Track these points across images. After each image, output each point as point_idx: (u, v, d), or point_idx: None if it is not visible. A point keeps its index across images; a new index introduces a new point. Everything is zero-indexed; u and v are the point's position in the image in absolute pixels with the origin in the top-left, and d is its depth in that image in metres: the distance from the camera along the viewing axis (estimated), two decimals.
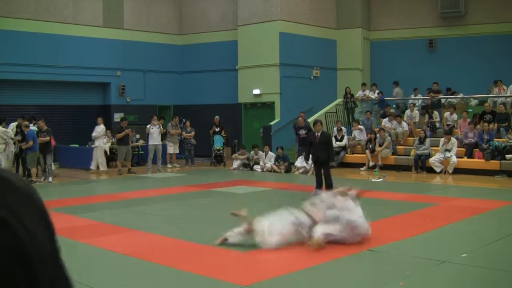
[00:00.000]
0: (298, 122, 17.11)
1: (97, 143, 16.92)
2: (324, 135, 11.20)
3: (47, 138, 14.92)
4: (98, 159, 16.92)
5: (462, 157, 15.59)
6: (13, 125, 15.45)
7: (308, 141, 11.64)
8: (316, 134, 11.14)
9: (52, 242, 0.90)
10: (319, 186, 11.04)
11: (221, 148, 18.99)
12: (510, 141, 15.04)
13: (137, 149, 19.30)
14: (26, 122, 14.71)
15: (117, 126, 17.55)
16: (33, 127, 15.04)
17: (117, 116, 19.85)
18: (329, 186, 10.76)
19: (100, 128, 16.93)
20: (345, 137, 17.82)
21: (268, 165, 16.98)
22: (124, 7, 20.80)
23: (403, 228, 7.91)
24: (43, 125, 15.02)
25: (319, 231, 6.58)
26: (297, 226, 6.71)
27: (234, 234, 6.78)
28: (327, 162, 11.07)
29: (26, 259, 0.79)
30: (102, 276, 5.82)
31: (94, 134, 16.92)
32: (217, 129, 19.11)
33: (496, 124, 16.02)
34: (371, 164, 16.63)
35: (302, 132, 16.55)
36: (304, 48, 20.31)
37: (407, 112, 18.60)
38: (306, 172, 16.02)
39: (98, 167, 16.92)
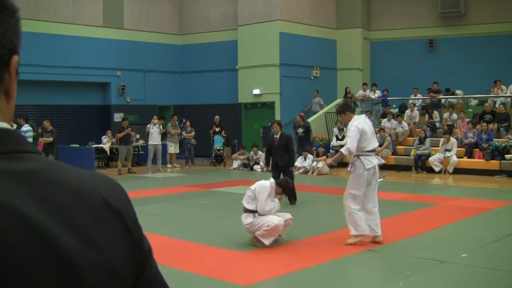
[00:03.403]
0: (297, 121, 17.03)
1: None
2: (284, 137, 10.20)
3: (51, 138, 14.90)
4: None
5: (462, 157, 15.60)
6: None
7: (267, 144, 10.32)
8: (275, 136, 10.19)
9: (141, 266, 0.89)
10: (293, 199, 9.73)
11: (221, 148, 18.98)
12: (510, 141, 15.04)
13: (137, 149, 19.29)
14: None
15: (118, 126, 17.54)
16: (26, 127, 14.84)
17: (117, 116, 19.85)
18: (292, 195, 8.98)
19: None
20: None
21: None
22: (124, 7, 20.78)
23: (403, 228, 7.91)
24: (48, 125, 14.99)
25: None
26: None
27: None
28: (287, 167, 10.02)
29: (62, 263, 0.75)
30: None
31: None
32: (217, 129, 19.10)
33: (496, 124, 16.03)
34: None
35: (300, 131, 16.41)
36: (304, 48, 20.30)
37: (407, 112, 18.60)
38: (306, 172, 16.01)
39: None
